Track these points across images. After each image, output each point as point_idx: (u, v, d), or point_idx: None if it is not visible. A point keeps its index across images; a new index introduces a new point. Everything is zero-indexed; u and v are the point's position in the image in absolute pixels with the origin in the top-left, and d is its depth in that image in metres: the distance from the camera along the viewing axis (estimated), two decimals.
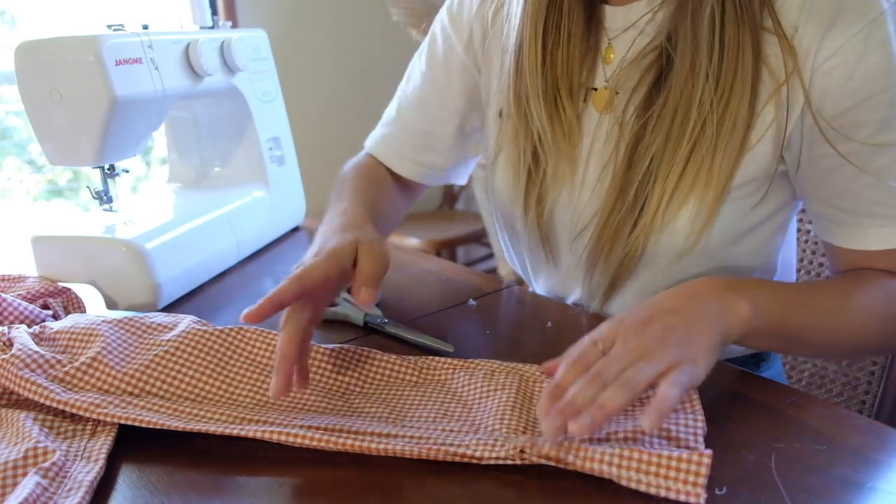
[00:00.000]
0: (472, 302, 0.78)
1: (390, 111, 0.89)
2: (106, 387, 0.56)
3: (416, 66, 0.86)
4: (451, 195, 2.89)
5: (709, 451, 0.45)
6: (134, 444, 0.52)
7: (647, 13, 0.65)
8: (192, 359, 0.59)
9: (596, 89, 0.69)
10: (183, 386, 0.58)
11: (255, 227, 0.98)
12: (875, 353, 0.67)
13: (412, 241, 2.49)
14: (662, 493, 0.44)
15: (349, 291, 0.63)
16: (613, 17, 0.68)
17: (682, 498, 0.44)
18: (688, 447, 0.47)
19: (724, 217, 0.64)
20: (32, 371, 0.55)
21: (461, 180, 0.93)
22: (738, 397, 0.56)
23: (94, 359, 0.57)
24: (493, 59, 0.78)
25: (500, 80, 0.76)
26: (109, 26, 0.80)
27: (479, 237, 2.55)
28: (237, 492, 0.47)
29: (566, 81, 0.69)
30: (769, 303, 0.57)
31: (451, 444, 0.49)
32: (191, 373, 0.58)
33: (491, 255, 2.78)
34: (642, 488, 0.44)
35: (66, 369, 0.56)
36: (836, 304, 0.61)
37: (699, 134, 0.61)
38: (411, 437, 0.51)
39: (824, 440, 0.50)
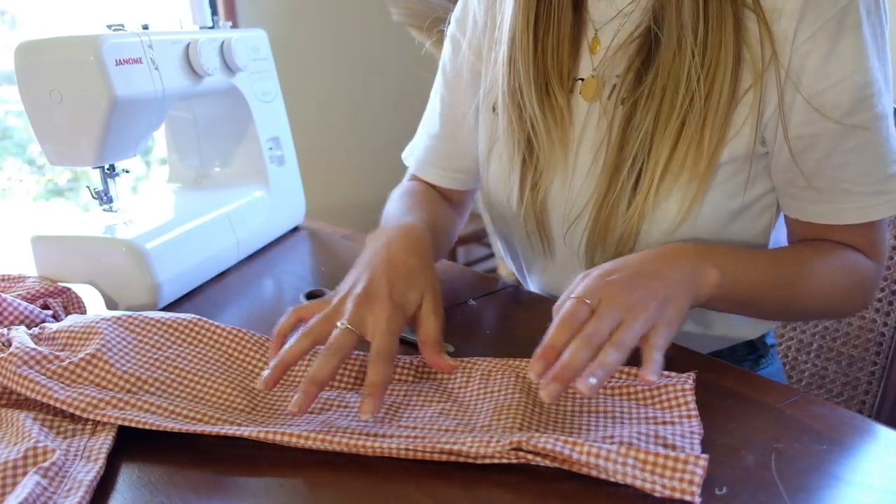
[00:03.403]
0: (471, 302, 0.78)
1: (424, 124, 0.89)
2: (104, 383, 0.56)
3: (438, 76, 0.88)
4: None
5: (705, 455, 0.45)
6: (134, 444, 0.52)
7: (632, 1, 0.67)
8: (190, 359, 0.59)
9: (582, 79, 0.71)
10: (181, 387, 0.58)
11: (255, 227, 0.98)
12: (826, 318, 0.73)
13: None
14: (658, 491, 0.44)
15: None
16: (596, 7, 0.70)
17: (677, 496, 0.44)
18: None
19: (712, 197, 0.66)
20: (31, 368, 0.55)
21: None
22: (738, 397, 0.56)
23: (93, 355, 0.57)
24: (490, 52, 0.79)
25: (494, 72, 0.77)
26: (109, 26, 0.80)
27: (479, 237, 2.55)
28: (237, 492, 0.47)
29: (556, 69, 0.71)
30: (736, 270, 0.61)
31: (446, 443, 0.49)
32: (189, 375, 0.58)
33: (491, 255, 2.78)
34: (638, 484, 0.44)
35: (64, 364, 0.56)
36: (797, 272, 0.65)
37: (688, 108, 0.63)
38: (407, 436, 0.51)
39: (824, 440, 0.50)
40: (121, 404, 0.54)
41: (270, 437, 0.51)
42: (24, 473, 0.47)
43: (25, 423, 0.52)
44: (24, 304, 0.69)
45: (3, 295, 0.68)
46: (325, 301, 0.61)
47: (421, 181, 0.88)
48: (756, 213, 0.70)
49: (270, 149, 1.04)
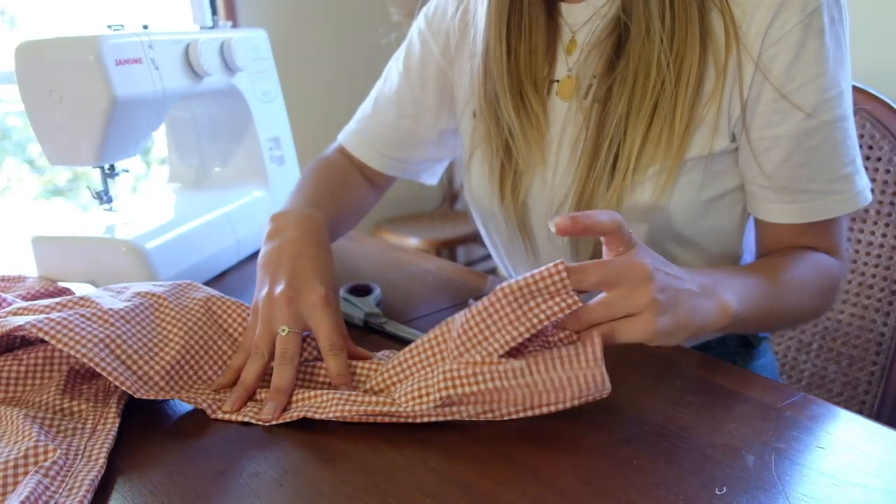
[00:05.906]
0: (472, 302, 0.78)
1: (366, 107, 0.91)
2: (89, 314, 0.58)
3: (394, 68, 0.89)
4: (451, 195, 2.89)
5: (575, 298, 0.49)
6: (134, 444, 0.53)
7: (606, 2, 0.69)
8: (178, 325, 0.61)
9: (558, 81, 0.73)
10: (167, 348, 0.59)
11: (255, 227, 0.98)
12: (798, 325, 0.74)
13: (412, 241, 2.49)
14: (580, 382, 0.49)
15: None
16: (570, 11, 0.72)
17: (591, 379, 0.50)
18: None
19: (682, 186, 0.68)
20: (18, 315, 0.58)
21: (432, 180, 0.95)
22: (739, 397, 0.56)
23: (82, 297, 0.60)
24: (465, 62, 0.81)
25: (471, 81, 0.79)
26: (109, 26, 0.80)
27: (479, 237, 2.55)
28: (237, 491, 0.47)
29: (530, 75, 0.73)
30: (749, 298, 0.60)
31: (378, 403, 0.52)
32: (175, 339, 0.60)
33: (491, 255, 2.77)
34: (556, 382, 0.50)
35: (52, 305, 0.59)
36: (786, 286, 0.65)
37: (660, 90, 0.65)
38: (345, 400, 0.54)
39: (825, 440, 0.50)
40: (107, 341, 0.56)
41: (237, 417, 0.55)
42: (25, 473, 0.47)
43: (25, 423, 0.52)
44: (24, 303, 0.69)
45: (3, 295, 0.68)
46: (253, 312, 0.63)
47: (347, 156, 0.90)
48: (728, 205, 0.72)
49: (270, 149, 1.04)
